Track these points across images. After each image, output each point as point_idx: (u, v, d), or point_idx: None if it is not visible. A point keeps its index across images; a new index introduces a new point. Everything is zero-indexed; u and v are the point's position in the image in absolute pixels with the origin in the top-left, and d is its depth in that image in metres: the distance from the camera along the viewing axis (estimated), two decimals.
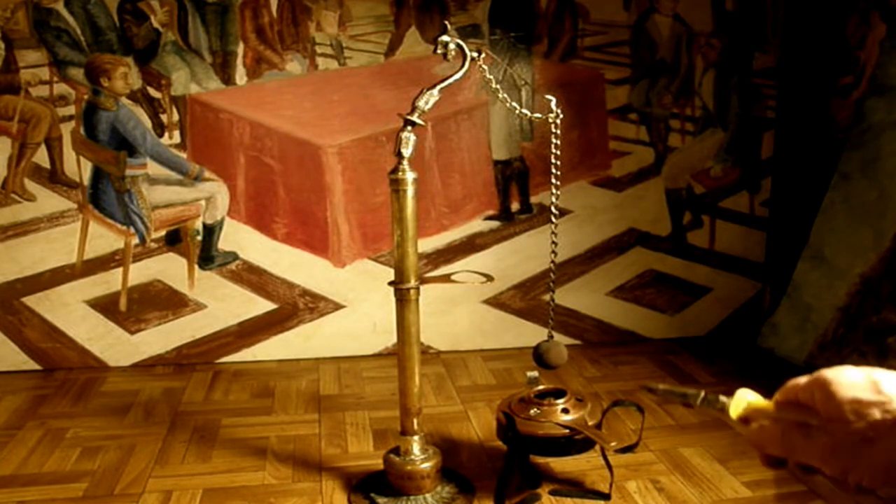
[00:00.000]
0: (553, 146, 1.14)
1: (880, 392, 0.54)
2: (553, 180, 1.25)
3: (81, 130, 1.96)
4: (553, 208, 1.26)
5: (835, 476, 0.59)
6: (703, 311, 2.26)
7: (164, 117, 1.98)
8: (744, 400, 0.66)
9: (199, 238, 2.04)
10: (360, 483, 1.41)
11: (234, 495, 1.38)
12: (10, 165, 1.95)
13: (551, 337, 1.32)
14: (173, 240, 2.04)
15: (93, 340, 2.03)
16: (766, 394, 0.67)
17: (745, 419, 0.66)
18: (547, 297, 2.18)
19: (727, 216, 2.25)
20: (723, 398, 0.67)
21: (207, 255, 2.05)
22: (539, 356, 1.32)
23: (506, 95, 1.31)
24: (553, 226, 1.25)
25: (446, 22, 1.25)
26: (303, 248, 2.08)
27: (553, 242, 1.25)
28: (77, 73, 1.93)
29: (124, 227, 2.01)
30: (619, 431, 1.61)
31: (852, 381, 0.56)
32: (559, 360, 1.32)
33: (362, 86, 2.03)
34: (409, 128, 1.24)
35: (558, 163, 1.26)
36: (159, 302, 2.04)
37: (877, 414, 0.55)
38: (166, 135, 1.99)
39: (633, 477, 1.43)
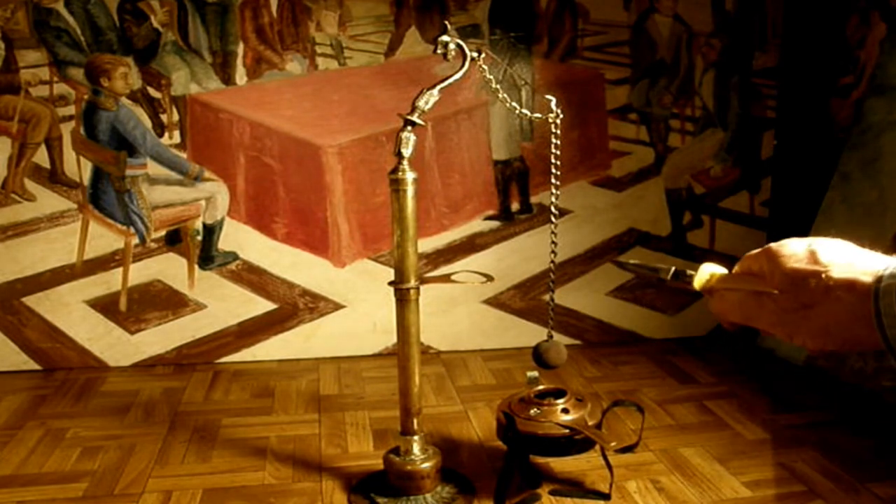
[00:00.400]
0: (553, 146, 1.14)
1: (817, 262, 0.59)
2: (553, 180, 1.25)
3: (81, 130, 1.96)
4: (553, 208, 1.26)
5: (784, 338, 0.64)
6: (703, 311, 2.26)
7: (164, 117, 1.99)
8: (706, 272, 0.71)
9: (199, 238, 2.04)
10: (360, 483, 1.41)
11: (234, 495, 1.38)
12: (10, 165, 1.95)
13: (551, 337, 1.32)
14: (173, 240, 2.04)
15: (93, 340, 2.03)
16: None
17: (710, 291, 0.70)
18: (547, 297, 2.18)
19: (727, 216, 2.25)
20: (689, 272, 0.72)
21: (207, 255, 2.05)
22: (539, 356, 1.32)
23: (506, 95, 1.31)
24: (553, 226, 1.25)
25: (446, 22, 1.25)
26: (303, 248, 2.08)
27: (553, 242, 1.25)
28: (77, 73, 1.93)
29: (124, 227, 2.01)
30: (619, 431, 1.61)
31: (793, 251, 0.61)
32: (559, 360, 1.32)
33: (362, 86, 2.03)
34: (409, 128, 1.24)
35: (558, 163, 1.26)
36: (159, 302, 2.05)
37: (813, 282, 0.59)
38: (166, 135, 1.99)
39: (633, 477, 1.43)
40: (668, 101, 2.18)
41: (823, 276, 0.59)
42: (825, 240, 0.62)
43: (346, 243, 2.08)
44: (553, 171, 1.25)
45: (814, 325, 0.60)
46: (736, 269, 0.69)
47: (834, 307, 0.59)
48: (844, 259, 0.59)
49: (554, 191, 1.25)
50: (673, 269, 0.74)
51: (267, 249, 2.07)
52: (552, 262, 1.27)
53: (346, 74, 2.04)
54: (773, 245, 0.63)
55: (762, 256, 0.64)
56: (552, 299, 1.30)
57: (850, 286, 0.58)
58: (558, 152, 1.26)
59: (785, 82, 2.20)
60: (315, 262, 2.09)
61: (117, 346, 2.04)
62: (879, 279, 0.56)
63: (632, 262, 0.81)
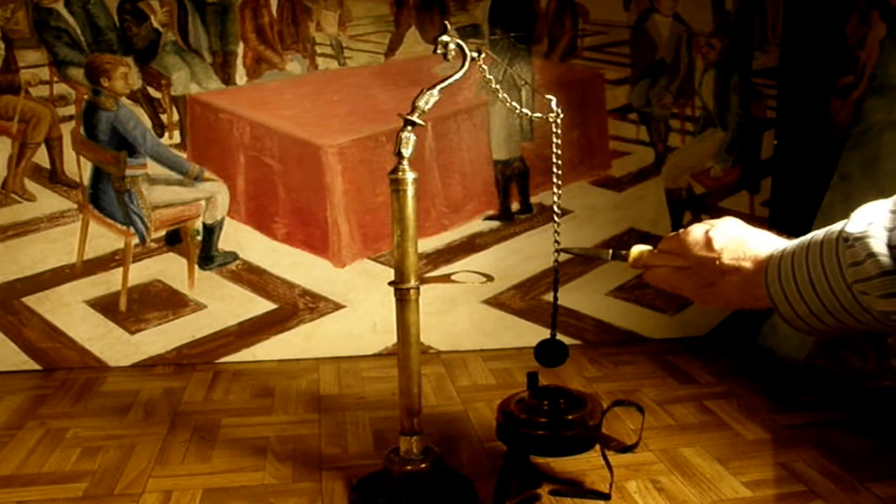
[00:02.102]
0: (554, 145, 1.14)
1: (712, 249, 0.73)
2: (555, 180, 1.25)
3: (81, 130, 1.96)
4: (555, 207, 1.25)
5: (702, 305, 0.80)
6: (703, 311, 2.26)
7: (164, 117, 1.99)
8: (637, 251, 0.87)
9: (199, 238, 2.04)
10: (360, 483, 1.41)
11: (234, 495, 1.38)
12: (10, 165, 1.95)
13: (554, 336, 1.32)
14: (173, 240, 2.04)
15: (93, 340, 2.03)
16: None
17: (641, 266, 0.85)
18: (547, 297, 2.18)
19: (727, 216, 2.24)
20: (624, 251, 0.88)
21: (207, 255, 2.05)
22: (541, 355, 1.32)
23: (506, 95, 1.31)
24: (556, 225, 1.24)
25: (446, 22, 1.25)
26: (303, 248, 2.08)
27: (556, 241, 1.25)
28: (77, 73, 1.93)
29: (124, 227, 2.01)
30: (619, 431, 1.61)
31: (695, 239, 0.76)
32: (565, 358, 1.31)
33: (362, 86, 2.03)
34: (409, 128, 1.24)
35: (559, 162, 1.26)
36: (159, 302, 2.05)
37: (709, 267, 0.73)
38: (166, 135, 1.99)
39: (633, 477, 1.43)
40: (668, 101, 2.18)
41: (717, 262, 0.73)
42: (722, 225, 0.75)
43: (346, 243, 2.08)
44: (554, 170, 1.25)
45: (718, 298, 0.76)
46: (660, 246, 0.83)
47: (727, 285, 0.73)
48: (734, 245, 0.72)
49: (556, 190, 1.25)
50: (611, 251, 0.91)
51: (267, 249, 2.07)
52: (556, 261, 1.27)
53: (346, 74, 2.04)
54: (681, 231, 0.78)
55: (676, 241, 0.79)
56: (555, 298, 1.30)
57: (737, 270, 0.72)
58: (559, 152, 1.26)
59: (785, 82, 2.20)
60: (315, 262, 2.09)
61: (117, 346, 2.04)
62: (768, 258, 0.68)
63: (576, 249, 1.04)
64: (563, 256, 1.22)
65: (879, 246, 0.53)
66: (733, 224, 0.75)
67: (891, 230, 0.54)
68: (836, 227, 0.60)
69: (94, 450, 1.56)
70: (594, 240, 2.19)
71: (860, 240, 0.55)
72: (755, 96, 2.21)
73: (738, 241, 0.73)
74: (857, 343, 1.83)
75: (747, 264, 0.71)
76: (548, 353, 1.32)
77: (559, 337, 1.34)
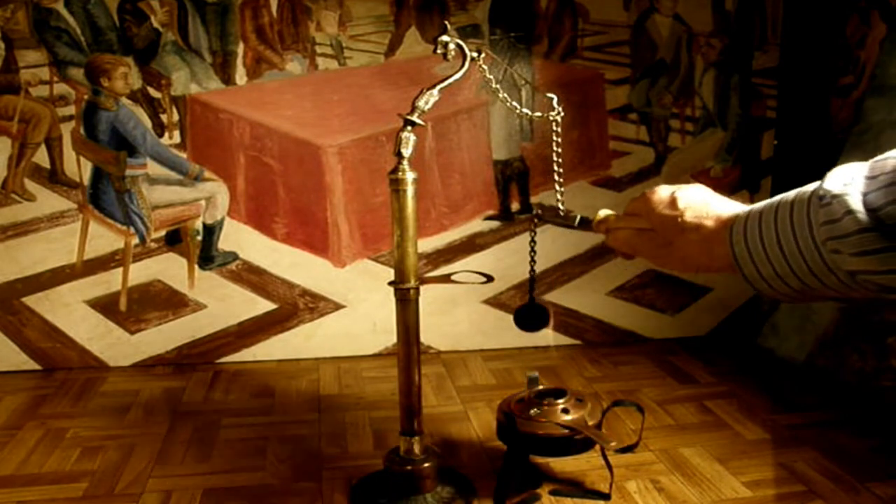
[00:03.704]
0: (554, 143, 1.14)
1: (675, 208, 0.73)
2: (556, 178, 1.24)
3: (81, 130, 1.96)
4: (558, 195, 1.23)
5: (659, 267, 0.80)
6: (703, 311, 2.26)
7: (164, 117, 1.99)
8: (603, 214, 0.88)
9: (199, 238, 2.04)
10: (360, 483, 1.41)
11: (234, 495, 1.38)
12: (10, 165, 1.95)
13: (532, 300, 1.29)
14: (173, 240, 2.04)
15: (93, 340, 2.03)
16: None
17: (606, 230, 0.86)
18: (547, 297, 2.18)
19: None
20: (590, 217, 0.90)
21: (207, 255, 2.05)
22: (521, 318, 1.29)
23: (506, 95, 1.31)
24: (558, 197, 1.20)
25: (446, 22, 1.25)
26: (303, 248, 2.08)
27: (537, 214, 1.19)
28: (77, 73, 1.93)
29: (124, 227, 2.01)
30: (619, 431, 1.61)
31: (660, 198, 0.75)
32: (544, 324, 1.29)
33: (362, 86, 2.03)
34: (409, 128, 1.24)
35: (560, 160, 1.26)
36: (159, 302, 2.05)
37: (671, 224, 0.73)
38: (166, 135, 1.99)
39: (633, 477, 1.43)
40: (668, 101, 2.18)
41: (679, 219, 0.73)
42: (690, 188, 0.75)
43: (346, 243, 2.08)
44: (556, 168, 1.25)
45: (674, 258, 0.75)
46: (626, 208, 0.83)
47: (686, 244, 0.72)
48: (698, 205, 0.72)
49: (558, 188, 1.24)
50: (579, 216, 0.92)
51: (267, 249, 2.07)
52: (533, 227, 1.22)
53: (346, 74, 2.04)
54: (647, 191, 0.78)
55: (641, 201, 0.78)
56: (533, 261, 1.27)
57: (698, 228, 0.71)
58: (560, 150, 1.26)
59: (785, 82, 2.20)
60: (315, 262, 2.09)
61: (117, 346, 2.04)
62: (733, 218, 0.67)
63: (548, 215, 1.04)
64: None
65: (857, 204, 0.54)
66: (701, 188, 0.75)
67: (865, 194, 0.54)
68: (807, 188, 0.61)
69: (94, 450, 1.56)
70: (594, 240, 2.19)
71: (838, 197, 0.55)
72: (755, 96, 2.21)
73: (702, 202, 0.73)
74: (857, 343, 1.83)
75: (709, 223, 0.71)
76: (527, 316, 1.29)
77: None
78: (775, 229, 0.62)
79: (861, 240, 0.53)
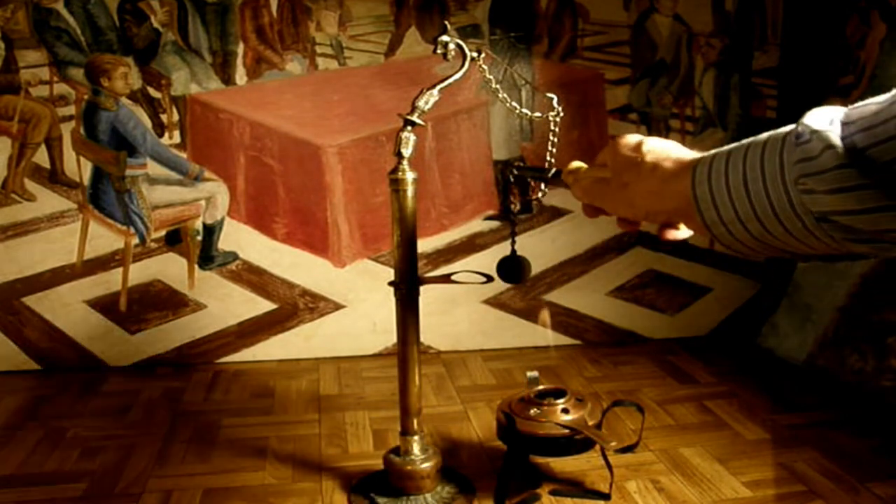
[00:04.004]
0: (550, 143, 1.14)
1: (639, 151, 0.71)
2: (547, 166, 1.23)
3: (81, 130, 1.96)
4: (548, 162, 1.22)
5: (612, 213, 0.78)
6: (703, 311, 2.26)
7: (164, 117, 1.99)
8: (574, 166, 0.86)
9: (199, 238, 2.04)
10: (360, 483, 1.41)
11: (234, 495, 1.38)
12: (10, 165, 1.95)
13: (514, 252, 1.27)
14: (173, 240, 2.04)
15: (93, 340, 2.03)
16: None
17: (575, 180, 0.84)
18: (547, 296, 2.18)
19: None
20: (562, 170, 0.88)
21: (207, 255, 2.05)
22: (501, 268, 1.27)
23: (506, 95, 1.31)
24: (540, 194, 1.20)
25: (446, 22, 1.25)
26: (303, 248, 2.08)
27: (514, 169, 1.18)
28: (77, 73, 1.93)
29: (124, 227, 2.01)
30: (619, 431, 1.61)
31: (626, 142, 0.74)
32: (527, 274, 1.28)
33: (362, 86, 2.03)
34: (409, 128, 1.24)
35: (553, 160, 1.25)
36: (159, 302, 2.05)
37: (631, 166, 0.72)
38: (166, 135, 1.99)
39: (633, 477, 1.43)
40: (668, 101, 2.18)
41: (639, 160, 0.71)
42: (657, 137, 0.74)
43: (346, 243, 2.08)
44: (547, 166, 1.24)
45: (626, 200, 0.74)
46: (597, 158, 0.82)
47: (640, 185, 0.71)
48: (661, 150, 0.71)
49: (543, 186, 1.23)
50: (554, 169, 0.90)
51: (267, 249, 2.07)
52: (511, 179, 1.21)
53: (346, 74, 2.04)
54: (617, 137, 0.77)
55: (608, 147, 0.78)
56: (513, 213, 1.27)
57: (654, 168, 0.70)
58: (554, 150, 1.25)
59: (785, 82, 2.20)
60: (315, 262, 2.09)
61: (117, 346, 2.04)
62: (696, 160, 0.66)
63: (527, 167, 0.99)
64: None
65: (837, 139, 0.53)
66: (670, 141, 0.73)
67: (843, 138, 0.54)
68: (781, 130, 0.59)
69: (94, 450, 1.56)
70: (594, 240, 2.19)
71: (818, 133, 0.54)
72: (755, 96, 2.21)
73: (666, 148, 0.71)
74: (857, 343, 1.83)
75: (667, 164, 0.69)
76: (509, 267, 1.27)
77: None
78: (743, 170, 0.60)
79: (838, 175, 0.52)
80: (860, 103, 0.55)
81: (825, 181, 0.53)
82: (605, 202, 0.78)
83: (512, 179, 1.19)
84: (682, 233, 0.76)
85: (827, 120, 0.55)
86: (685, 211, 0.67)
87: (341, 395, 1.87)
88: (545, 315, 2.18)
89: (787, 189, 0.56)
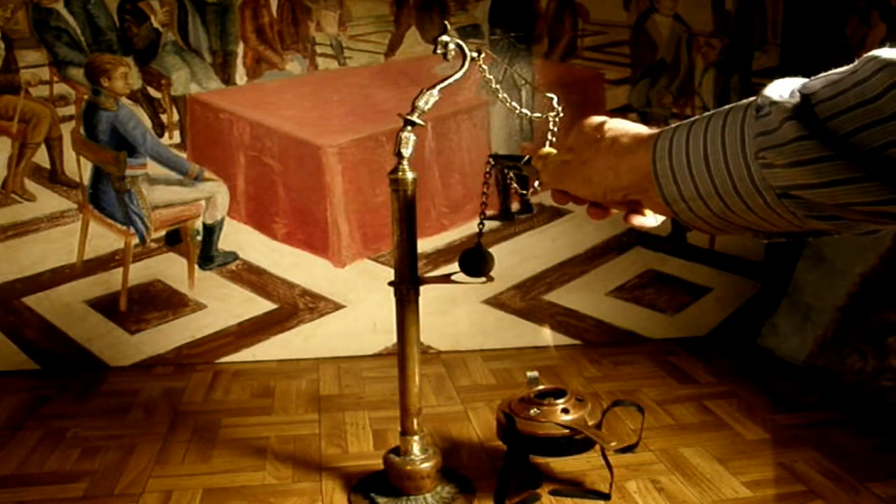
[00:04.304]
0: (547, 143, 1.14)
1: (601, 130, 0.71)
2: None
3: (81, 130, 1.96)
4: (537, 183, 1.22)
5: (573, 192, 0.76)
6: (703, 311, 2.26)
7: (164, 117, 1.99)
8: (544, 151, 0.85)
9: (199, 238, 2.04)
10: (360, 483, 1.41)
11: (234, 495, 1.38)
12: (10, 165, 1.95)
13: (479, 244, 1.27)
14: (173, 240, 2.04)
15: (93, 340, 2.03)
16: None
17: (543, 165, 0.83)
18: (547, 296, 2.18)
19: None
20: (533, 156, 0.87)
21: (207, 255, 2.05)
22: (466, 262, 1.25)
23: (506, 95, 1.31)
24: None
25: (446, 22, 1.25)
26: (303, 248, 2.08)
27: (490, 159, 1.17)
28: (77, 73, 1.93)
29: (124, 227, 2.01)
30: (619, 431, 1.61)
31: (589, 122, 0.73)
32: (490, 267, 1.26)
33: (362, 86, 2.03)
34: (409, 128, 1.24)
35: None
36: (159, 302, 2.05)
37: (591, 144, 0.71)
38: (166, 135, 1.99)
39: (633, 477, 1.43)
40: (668, 101, 2.18)
41: (598, 137, 0.70)
42: (620, 119, 0.73)
43: (346, 243, 2.08)
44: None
45: (584, 176, 0.72)
46: (563, 145, 0.82)
47: (598, 161, 0.70)
48: (620, 127, 0.70)
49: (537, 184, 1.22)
50: (527, 157, 0.89)
51: (267, 249, 2.07)
52: (487, 172, 1.21)
53: (346, 74, 2.04)
54: (584, 119, 0.76)
55: (573, 129, 0.77)
56: (484, 205, 1.26)
57: (612, 143, 0.68)
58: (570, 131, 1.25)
59: None
60: (315, 262, 2.09)
61: (117, 346, 2.04)
62: (656, 134, 0.64)
63: (502, 154, 0.99)
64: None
65: (797, 111, 0.51)
66: (634, 123, 0.72)
67: (803, 108, 0.52)
68: (743, 102, 0.57)
69: (94, 450, 1.56)
70: (594, 240, 2.19)
71: (777, 104, 0.53)
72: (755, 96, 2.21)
73: (627, 126, 0.70)
74: (857, 343, 1.83)
75: (624, 139, 0.67)
76: (471, 260, 1.25)
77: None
78: (703, 144, 0.58)
79: (798, 148, 0.50)
80: (822, 74, 0.54)
81: (784, 154, 0.51)
82: (567, 182, 0.76)
83: (488, 168, 1.19)
84: (649, 220, 0.74)
85: (787, 91, 0.53)
86: (642, 186, 0.65)
87: (341, 395, 1.87)
88: (547, 330, 2.18)
89: (748, 164, 0.54)
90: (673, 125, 0.63)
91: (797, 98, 0.53)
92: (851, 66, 0.51)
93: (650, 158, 0.62)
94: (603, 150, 0.69)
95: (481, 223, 1.25)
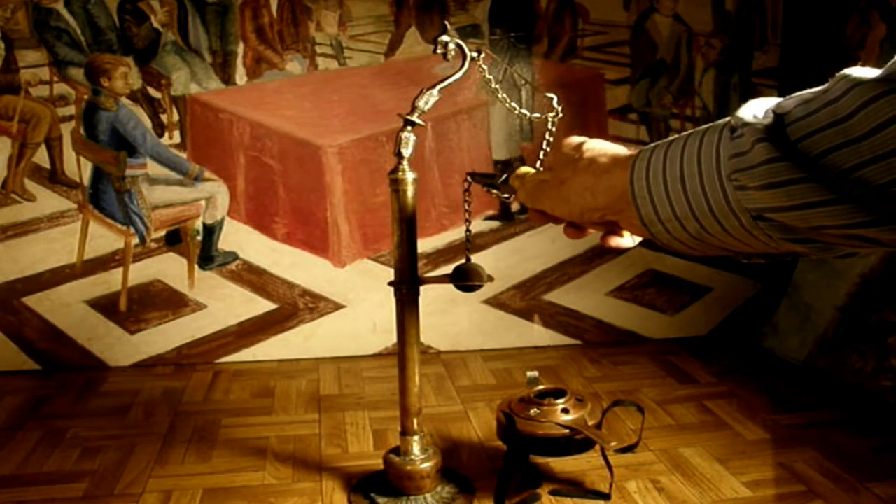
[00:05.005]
0: (545, 143, 1.14)
1: (579, 150, 0.70)
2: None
3: (81, 130, 1.96)
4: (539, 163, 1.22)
5: (550, 212, 0.75)
6: (703, 311, 2.26)
7: (164, 117, 1.99)
8: (522, 170, 0.85)
9: (199, 238, 2.04)
10: (360, 483, 1.41)
11: (234, 495, 1.38)
12: (10, 165, 1.95)
13: (469, 259, 1.27)
14: (173, 240, 2.04)
15: (93, 340, 2.03)
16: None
17: (521, 184, 0.83)
18: (547, 296, 2.18)
19: None
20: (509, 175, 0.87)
21: (207, 255, 2.05)
22: (459, 279, 1.26)
23: (506, 95, 1.31)
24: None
25: (446, 22, 1.25)
26: (303, 248, 2.08)
27: (467, 178, 1.18)
28: (77, 73, 1.93)
29: (124, 227, 2.01)
30: (619, 431, 1.61)
31: (568, 142, 0.73)
32: (482, 279, 1.27)
33: (362, 86, 2.03)
34: (409, 128, 1.24)
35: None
36: (159, 302, 2.05)
37: (569, 163, 0.71)
38: (166, 135, 1.99)
39: (633, 477, 1.43)
40: (668, 101, 2.18)
41: (577, 156, 0.70)
42: (599, 139, 0.73)
43: (346, 243, 2.08)
44: (538, 166, 1.24)
45: (561, 196, 0.72)
46: (543, 165, 0.82)
47: (576, 180, 0.69)
48: (599, 148, 0.70)
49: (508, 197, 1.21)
50: (504, 175, 0.89)
51: (267, 249, 2.07)
52: (466, 189, 1.21)
53: (346, 74, 2.04)
54: (565, 139, 0.76)
55: (552, 150, 0.78)
56: (468, 221, 1.27)
57: (590, 163, 0.68)
58: (549, 149, 1.25)
59: (785, 82, 2.20)
60: (315, 262, 2.09)
61: (117, 346, 2.04)
62: (634, 154, 0.64)
63: (479, 173, 1.04)
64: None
65: (769, 132, 0.50)
66: (612, 143, 0.72)
67: (775, 129, 0.50)
68: (719, 122, 0.56)
69: (94, 450, 1.56)
70: (594, 240, 2.17)
71: (749, 125, 0.52)
72: (755, 96, 2.20)
73: (605, 146, 0.70)
74: (857, 343, 1.83)
75: (603, 159, 0.67)
76: (459, 277, 1.26)
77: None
78: (680, 165, 0.57)
79: (769, 170, 0.50)
80: (795, 94, 0.53)
81: (756, 176, 0.50)
82: (544, 201, 0.76)
83: (466, 186, 1.20)
84: (626, 241, 0.74)
85: (761, 111, 0.53)
86: (619, 207, 0.64)
87: (341, 395, 1.87)
88: (538, 319, 2.18)
89: (724, 186, 0.54)
90: (651, 145, 0.62)
91: (770, 118, 0.52)
92: (825, 85, 0.50)
93: (627, 179, 0.61)
94: (581, 170, 0.69)
95: (467, 240, 1.28)
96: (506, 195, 0.90)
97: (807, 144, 0.49)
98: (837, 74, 0.49)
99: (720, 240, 0.57)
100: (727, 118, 0.56)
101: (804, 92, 0.52)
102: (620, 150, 0.69)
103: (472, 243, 1.31)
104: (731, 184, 0.53)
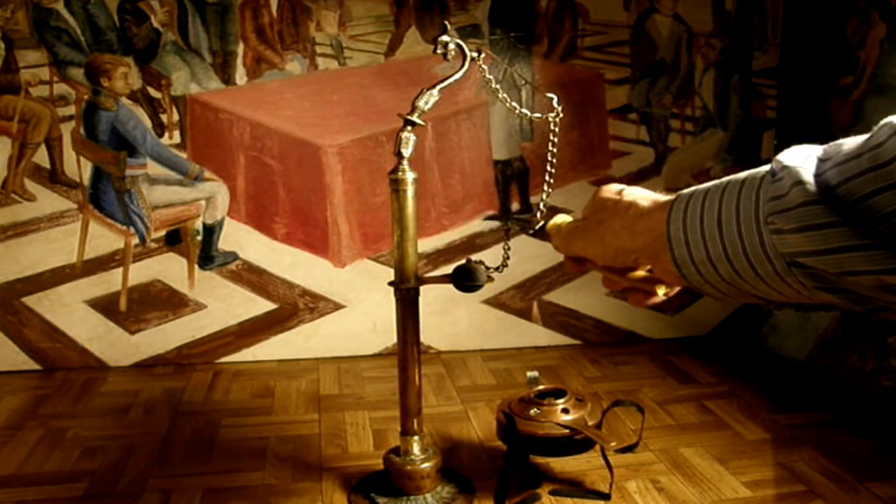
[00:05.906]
0: (550, 143, 1.14)
1: (620, 194, 0.73)
2: (547, 177, 1.24)
3: (81, 130, 1.96)
4: (544, 194, 1.23)
5: (581, 253, 0.76)
6: (703, 311, 2.26)
7: (164, 117, 1.99)
8: (559, 219, 0.86)
9: (199, 238, 2.04)
10: (360, 483, 1.41)
11: (234, 495, 1.38)
12: (10, 165, 1.95)
13: (470, 260, 1.28)
14: (173, 240, 2.04)
15: (93, 340, 2.03)
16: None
17: (557, 233, 0.84)
18: (547, 297, 2.18)
19: None
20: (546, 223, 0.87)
21: (207, 255, 2.05)
22: (465, 277, 1.27)
23: (506, 95, 1.31)
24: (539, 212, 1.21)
25: (446, 22, 1.25)
26: (303, 248, 2.08)
27: (507, 227, 1.19)
28: (77, 73, 1.93)
29: (124, 227, 2.01)
30: (619, 431, 1.61)
31: (608, 187, 0.75)
32: (482, 279, 1.28)
33: (362, 86, 2.03)
34: (409, 128, 1.24)
35: (554, 161, 1.25)
36: (159, 302, 2.05)
37: (609, 206, 0.72)
38: (166, 135, 1.99)
39: (633, 477, 1.43)
40: (668, 101, 2.18)
41: (618, 199, 0.72)
42: (638, 187, 0.74)
43: (346, 243, 2.08)
44: (548, 168, 1.24)
45: (597, 236, 0.73)
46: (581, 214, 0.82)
47: (614, 221, 0.71)
48: (640, 193, 0.72)
49: (547, 188, 1.23)
50: (542, 222, 0.88)
51: (267, 249, 2.07)
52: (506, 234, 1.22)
53: (346, 74, 2.04)
54: (600, 187, 0.77)
55: (592, 198, 0.78)
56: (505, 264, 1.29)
57: (629, 206, 0.70)
58: (555, 150, 1.25)
59: (785, 82, 2.20)
60: (315, 262, 2.09)
61: (117, 346, 2.04)
62: (673, 198, 0.65)
63: (517, 218, 1.00)
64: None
65: (808, 176, 0.51)
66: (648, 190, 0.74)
67: (818, 175, 0.52)
68: (762, 168, 0.57)
69: (94, 450, 1.56)
70: None
71: (788, 169, 0.53)
72: (755, 96, 2.21)
73: (645, 191, 0.72)
74: (857, 343, 1.83)
75: (643, 202, 0.69)
76: (459, 277, 1.26)
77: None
78: (718, 208, 0.58)
79: (805, 213, 0.50)
80: (836, 142, 0.54)
81: (792, 218, 0.51)
82: (579, 242, 0.77)
83: (506, 232, 1.24)
84: (656, 298, 0.75)
85: (803, 156, 0.54)
86: (653, 250, 0.65)
87: (341, 395, 1.87)
88: (535, 310, 2.18)
89: (760, 230, 0.54)
90: (691, 189, 0.63)
91: (812, 164, 0.52)
92: (870, 133, 0.50)
93: (665, 219, 0.63)
94: (621, 210, 0.70)
95: (499, 268, 1.30)
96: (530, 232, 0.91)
97: (848, 188, 0.49)
98: (882, 122, 0.50)
99: (752, 285, 0.57)
100: (766, 166, 0.57)
101: (849, 140, 0.53)
102: (660, 196, 0.70)
103: (477, 248, 1.31)
104: (767, 227, 0.54)
